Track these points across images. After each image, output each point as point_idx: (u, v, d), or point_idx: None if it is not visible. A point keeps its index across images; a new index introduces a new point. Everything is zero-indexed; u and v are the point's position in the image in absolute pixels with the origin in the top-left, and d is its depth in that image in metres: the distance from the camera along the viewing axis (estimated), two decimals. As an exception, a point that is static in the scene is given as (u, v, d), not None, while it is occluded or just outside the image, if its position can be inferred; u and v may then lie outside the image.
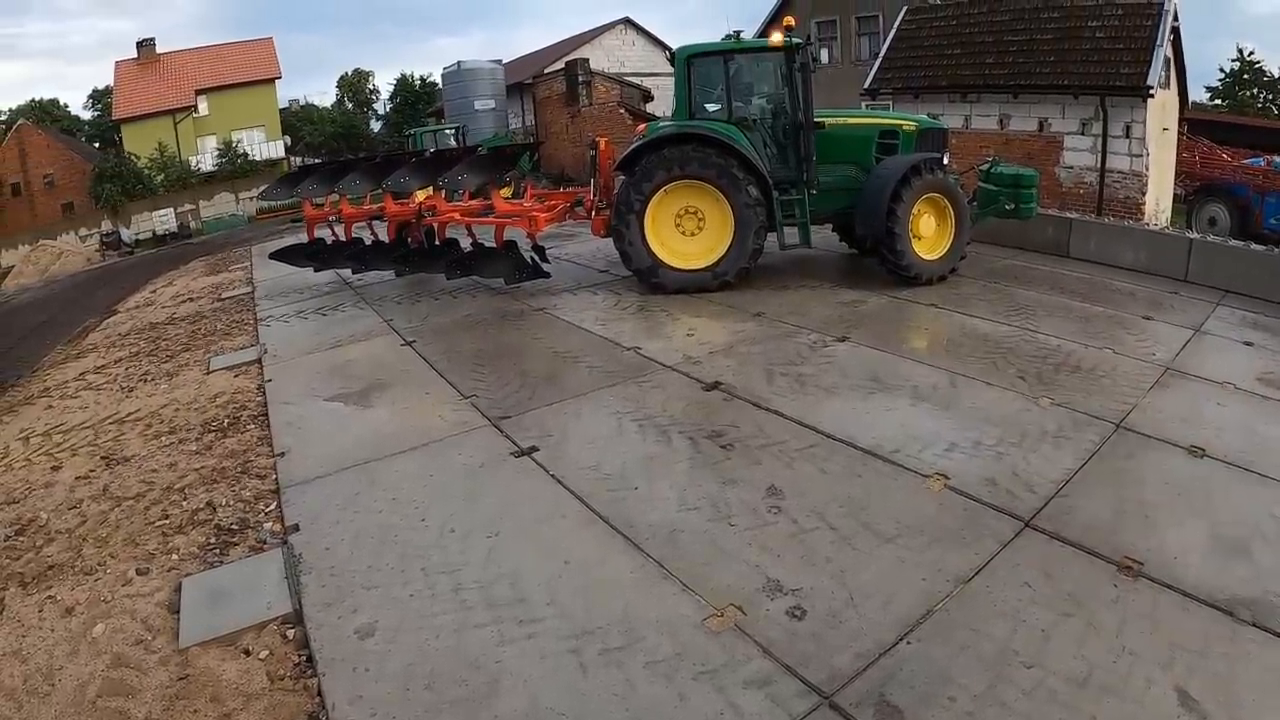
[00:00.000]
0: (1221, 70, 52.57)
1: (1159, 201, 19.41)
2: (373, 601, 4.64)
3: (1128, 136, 17.85)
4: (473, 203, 12.42)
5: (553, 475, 6.01)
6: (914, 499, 5.55)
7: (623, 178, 11.16)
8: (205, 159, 45.55)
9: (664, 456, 6.26)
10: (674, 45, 12.59)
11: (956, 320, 9.73)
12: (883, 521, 5.25)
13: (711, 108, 11.33)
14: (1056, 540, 5.09)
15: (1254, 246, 12.97)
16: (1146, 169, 17.84)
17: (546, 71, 40.31)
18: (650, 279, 10.88)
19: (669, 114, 12.47)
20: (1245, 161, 24.28)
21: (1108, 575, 4.77)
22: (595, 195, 11.85)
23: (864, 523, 5.25)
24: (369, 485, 6.02)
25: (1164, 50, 17.94)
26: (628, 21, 48.29)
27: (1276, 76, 51.54)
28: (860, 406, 7.07)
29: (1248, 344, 9.26)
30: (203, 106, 46.19)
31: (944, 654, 4.11)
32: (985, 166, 12.77)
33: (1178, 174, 23.40)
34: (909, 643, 4.18)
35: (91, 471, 6.84)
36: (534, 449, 6.41)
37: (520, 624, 4.38)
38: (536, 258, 11.56)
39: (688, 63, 11.11)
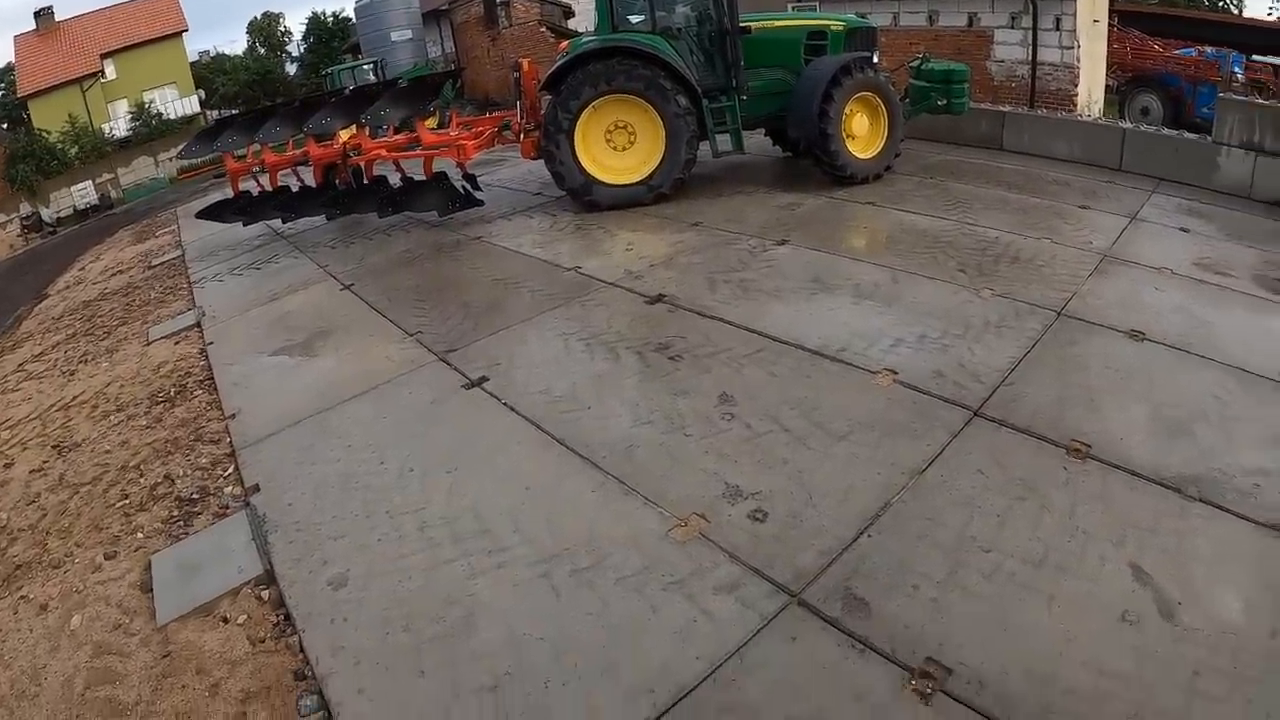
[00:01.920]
0: (1154, -38, 52.60)
1: (1091, 93, 19.41)
2: (341, 551, 4.58)
3: (1058, 29, 17.75)
4: (398, 137, 12.10)
5: (505, 404, 5.93)
6: (864, 396, 5.56)
7: (549, 98, 10.91)
8: (119, 125, 42.93)
9: (613, 374, 6.20)
10: (594, -43, 12.24)
11: (894, 217, 9.69)
12: (835, 420, 5.26)
13: (635, 19, 11.05)
14: (1005, 427, 5.14)
15: (1187, 135, 13.07)
16: (1078, 61, 17.79)
17: (463, -5, 39.15)
18: (584, 197, 10.70)
19: (592, 29, 12.16)
20: (1177, 52, 24.45)
21: (1057, 459, 4.84)
22: (522, 118, 11.57)
23: (816, 422, 5.25)
24: (323, 435, 5.90)
25: (1094, -60, 17.82)
26: (545, -65, 46.94)
27: (1208, -31, 51.73)
28: (804, 308, 7.03)
29: (1183, 230, 9.37)
30: (110, 70, 43.36)
31: (904, 545, 4.17)
32: (916, 63, 12.66)
33: (1110, 66, 23.44)
34: (869, 536, 4.24)
35: (45, 463, 6.60)
36: (484, 379, 6.32)
37: (489, 555, 4.35)
38: (468, 187, 11.31)
39: None
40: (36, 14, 45.08)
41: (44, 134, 39.95)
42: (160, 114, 43.75)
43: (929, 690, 3.36)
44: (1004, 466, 4.76)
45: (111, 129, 42.68)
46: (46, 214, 37.71)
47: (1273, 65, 25.73)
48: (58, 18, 45.25)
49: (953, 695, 3.35)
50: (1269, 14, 50.31)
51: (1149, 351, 6.19)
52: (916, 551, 4.11)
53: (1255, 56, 25.88)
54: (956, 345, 6.21)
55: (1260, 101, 13.57)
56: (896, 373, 5.81)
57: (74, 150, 40.27)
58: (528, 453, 5.27)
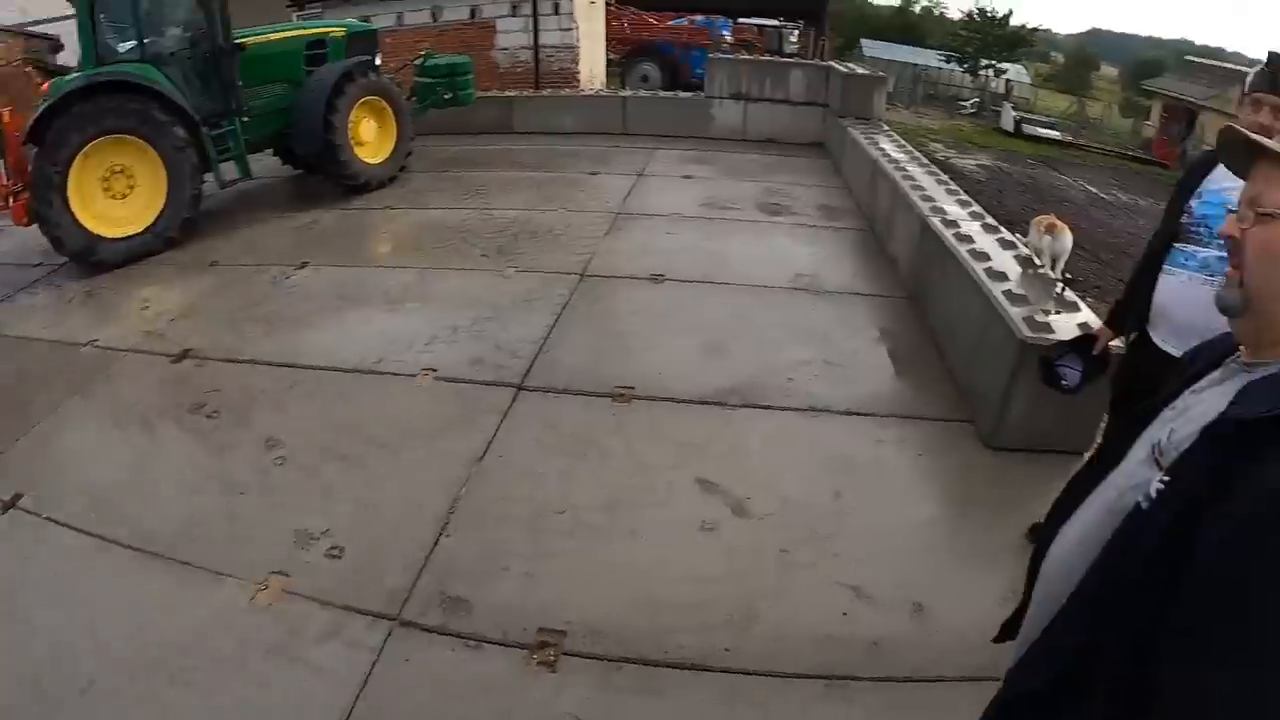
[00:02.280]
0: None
1: (593, 69, 20.55)
2: None
3: (557, 13, 18.59)
4: None
5: (47, 518, 5.05)
6: (409, 401, 5.44)
7: (35, 150, 9.70)
8: None
9: (153, 450, 5.53)
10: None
11: (414, 216, 9.60)
12: (385, 433, 5.09)
13: (124, 47, 10.05)
14: (551, 393, 5.26)
15: (682, 94, 14.27)
16: (578, 41, 18.73)
17: (-71, 40, 34.26)
18: (90, 259, 9.56)
19: (79, 64, 10.93)
20: (671, 23, 26.54)
21: (605, 408, 5.04)
22: (8, 178, 10.17)
23: (368, 440, 5.04)
24: None
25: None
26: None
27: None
28: (335, 328, 6.74)
29: (687, 177, 10.17)
30: None
31: (483, 533, 4.14)
32: (419, 61, 12.66)
33: (610, 41, 24.94)
34: (448, 536, 4.15)
35: None
36: (18, 496, 5.37)
37: (81, 695, 3.67)
38: (-47, 275, 9.85)
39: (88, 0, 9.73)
40: None
41: None
42: None
43: (551, 658, 3.38)
44: (557, 429, 4.87)
45: None
46: None
47: (757, 25, 28.75)
48: None
49: (574, 653, 3.40)
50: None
51: (671, 290, 6.62)
52: (497, 535, 4.10)
53: (741, 19, 28.75)
54: (490, 328, 6.24)
55: (745, 57, 15.06)
56: (436, 370, 5.72)
57: None
58: (85, 565, 4.55)
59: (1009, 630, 1.89)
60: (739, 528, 4.01)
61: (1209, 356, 1.61)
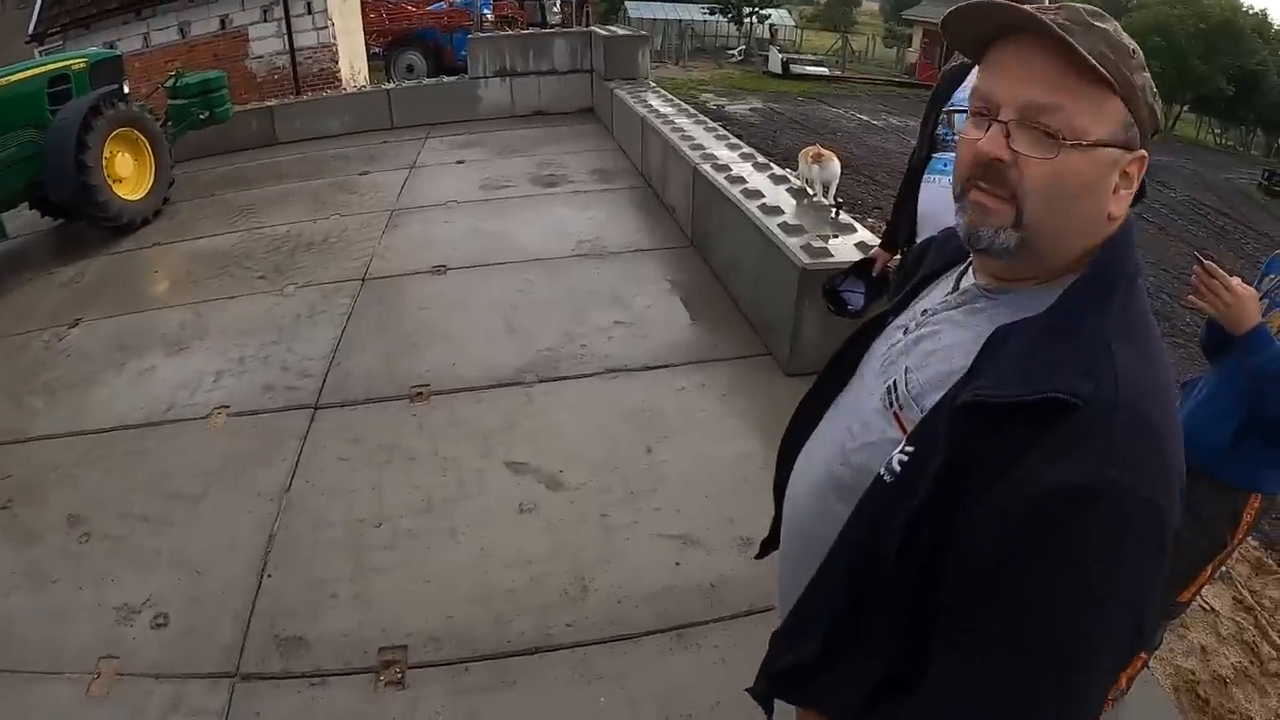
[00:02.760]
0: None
1: (354, 65, 20.08)
2: None
3: (310, 12, 18.11)
4: None
5: None
6: (205, 444, 5.23)
7: None
8: None
9: (-53, 554, 5.22)
10: None
11: (182, 249, 9.13)
12: (187, 483, 4.87)
13: None
14: (347, 406, 5.19)
15: (447, 79, 14.16)
16: (334, 39, 18.30)
17: None
18: None
19: None
20: (430, 8, 26.11)
21: (404, 410, 5.04)
22: None
23: (170, 495, 4.81)
24: None
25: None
26: None
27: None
28: (118, 384, 6.35)
29: (460, 162, 10.12)
30: None
31: (304, 564, 4.05)
32: (170, 82, 12.01)
33: (370, 34, 24.39)
34: (269, 575, 4.04)
35: None
36: None
37: None
38: None
39: None
40: None
41: None
42: None
43: (398, 676, 3.36)
44: (360, 442, 4.81)
45: None
46: None
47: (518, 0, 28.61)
48: None
49: (420, 664, 3.39)
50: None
51: (454, 279, 6.64)
52: (317, 562, 4.02)
53: (498, -4, 28.54)
54: (276, 351, 6.07)
55: (506, 33, 15.03)
56: (228, 406, 5.54)
57: None
58: None
59: (768, 547, 2.00)
60: (556, 502, 4.08)
61: (940, 254, 1.55)
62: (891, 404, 1.33)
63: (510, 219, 7.75)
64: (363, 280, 6.86)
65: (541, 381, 5.06)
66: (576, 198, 8.23)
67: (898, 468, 1.21)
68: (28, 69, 11.27)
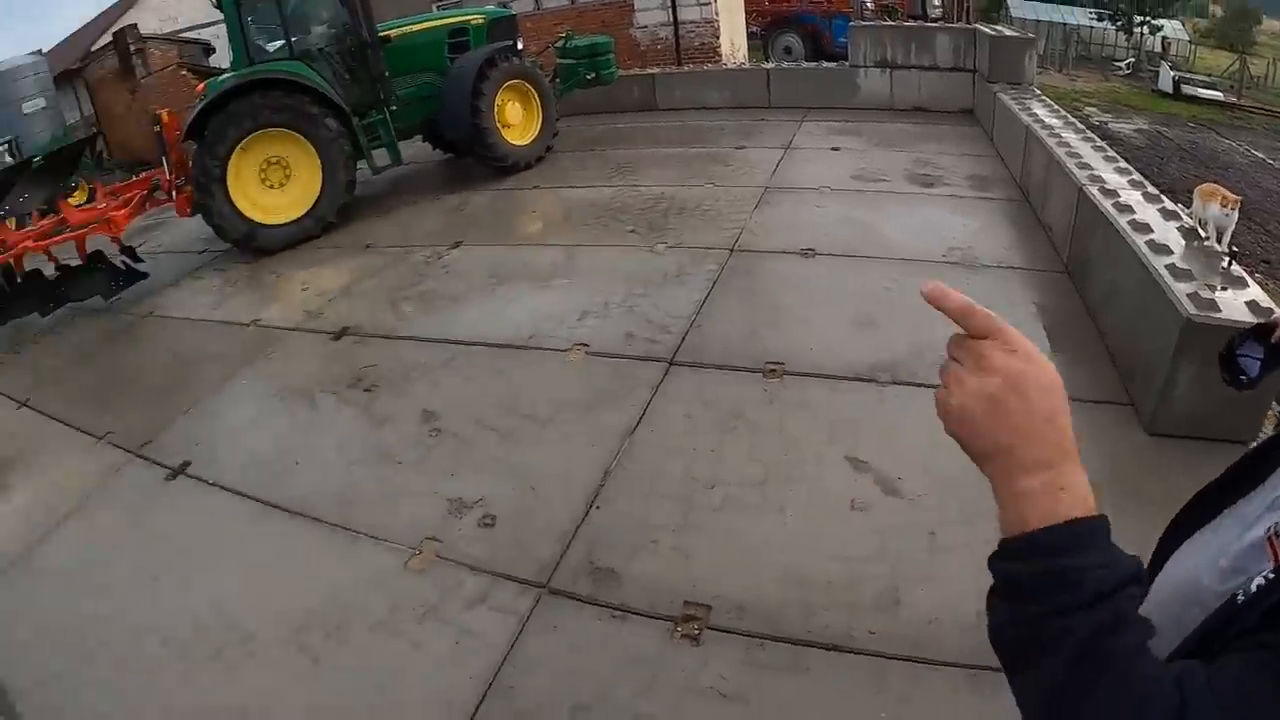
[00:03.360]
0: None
1: (734, 42, 20.36)
2: (92, 699, 3.97)
3: (695, -13, 18.50)
4: (44, 222, 10.96)
5: (214, 484, 5.37)
6: (561, 376, 5.51)
7: (195, 146, 10.22)
8: None
9: (314, 422, 5.82)
10: (221, -12, 11.53)
11: (562, 195, 9.75)
12: (539, 407, 5.17)
13: (273, 46, 10.52)
14: (702, 368, 5.23)
15: (826, 65, 13.98)
16: (716, 15, 18.59)
17: (94, 49, 36.03)
18: (250, 245, 10.07)
19: (231, 65, 11.49)
20: (810, -9, 26.04)
21: (756, 383, 4.98)
22: (171, 173, 10.76)
23: (522, 414, 5.14)
24: (34, 580, 5.11)
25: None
26: (170, -28, 44.30)
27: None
28: (488, 305, 6.90)
29: (835, 149, 9.98)
30: None
31: (633, 505, 4.17)
32: (560, 43, 12.80)
33: (749, 13, 24.67)
34: (599, 508, 4.20)
35: None
36: (186, 465, 5.72)
37: (241, 644, 3.93)
38: (128, 261, 10.34)
39: (235, 4, 10.21)
40: None
41: None
42: None
43: (696, 632, 3.39)
44: (708, 404, 4.84)
45: None
46: None
47: (898, -11, 27.96)
48: None
49: (719, 628, 3.40)
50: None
51: (821, 264, 6.51)
52: (647, 508, 4.12)
53: (885, -16, 28.00)
54: (641, 303, 6.27)
55: (889, 23, 14.67)
56: (588, 345, 5.79)
57: None
58: (249, 529, 4.83)
59: None
60: (889, 507, 3.92)
61: None
62: (1272, 534, 1.12)
63: (882, 213, 7.55)
64: (731, 250, 6.91)
65: (895, 383, 4.85)
66: (951, 202, 7.88)
67: (1254, 589, 1.02)
68: (431, 20, 12.46)
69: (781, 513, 3.94)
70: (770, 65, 14.75)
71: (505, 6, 13.76)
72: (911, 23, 18.12)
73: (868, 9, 25.47)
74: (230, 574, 4.49)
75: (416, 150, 12.28)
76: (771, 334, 5.52)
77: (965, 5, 33.76)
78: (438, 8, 20.16)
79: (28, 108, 33.91)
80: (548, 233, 8.61)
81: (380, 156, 10.65)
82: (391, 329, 6.88)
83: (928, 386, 4.69)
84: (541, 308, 6.58)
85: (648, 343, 5.65)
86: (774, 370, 5.03)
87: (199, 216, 10.18)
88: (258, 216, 9.92)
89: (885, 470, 4.15)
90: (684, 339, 5.61)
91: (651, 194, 8.89)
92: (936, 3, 29.33)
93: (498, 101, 10.62)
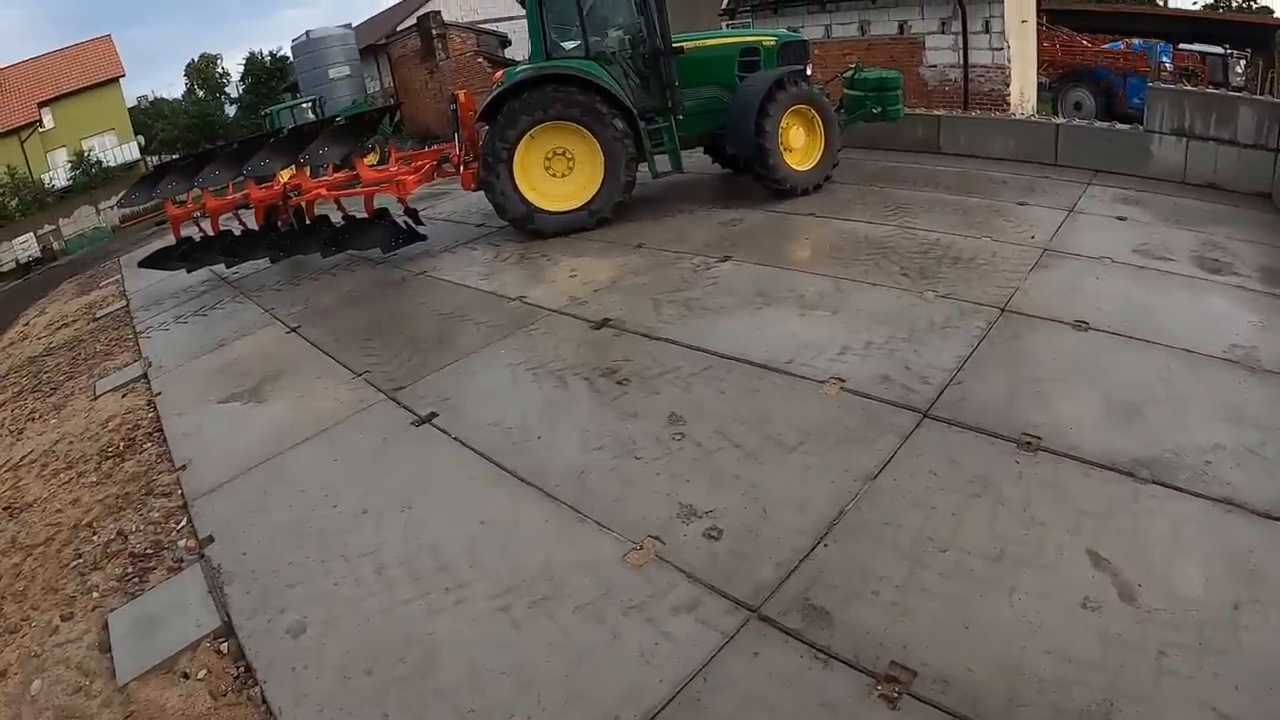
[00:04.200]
0: (1078, -42, 54.07)
1: (1024, 91, 19.72)
2: (299, 598, 4.46)
3: (987, 31, 18.05)
4: (338, 175, 11.94)
5: (456, 438, 5.84)
6: (813, 406, 5.55)
7: (486, 128, 10.88)
8: (58, 174, 41.91)
9: (562, 401, 6.15)
10: (525, -14, 12.22)
11: (835, 226, 9.75)
12: (785, 432, 5.24)
13: (569, 45, 11.09)
14: (955, 426, 5.15)
15: (1119, 126, 13.32)
16: (1008, 61, 18.07)
17: (399, 29, 38.83)
18: (527, 226, 10.67)
19: (528, 57, 12.19)
20: (1105, 46, 24.93)
21: (1009, 453, 4.85)
22: (461, 150, 11.53)
23: (767, 436, 5.23)
24: (276, 481, 5.76)
25: (1018, -57, 18.16)
26: (477, -34, 47.15)
27: (1132, -37, 53.13)
28: (750, 323, 7.03)
29: (1120, 219, 9.54)
30: (48, 119, 42.15)
31: (861, 551, 4.15)
32: (849, 73, 12.82)
33: (1040, 63, 23.84)
34: (826, 545, 4.21)
35: (-3, 526, 6.44)
36: (433, 415, 6.22)
37: (447, 592, 4.28)
38: (410, 222, 11.18)
39: (539, 1, 10.83)
40: (-29, 64, 43.91)
41: None
42: (100, 162, 42.61)
43: (895, 694, 3.34)
44: (956, 465, 4.76)
45: (51, 179, 41.53)
46: (-13, 269, 36.48)
47: (1200, 53, 26.29)
48: None
49: (919, 697, 3.33)
50: (1194, 3, 51.90)
51: (1094, 340, 6.26)
52: (874, 556, 4.10)
53: (1182, 45, 26.46)
54: (903, 349, 6.23)
55: (1189, 89, 13.83)
56: (844, 380, 5.80)
57: (14, 202, 39.28)
58: (480, 487, 5.20)
59: None
60: (1122, 614, 3.69)
61: None
62: None
63: (1163, 295, 7.16)
64: (1002, 310, 6.77)
65: (1154, 483, 4.54)
66: (1239, 293, 7.32)
67: None
68: (726, 37, 12.82)
69: (1010, 594, 3.81)
70: (1060, 120, 14.19)
71: (795, 31, 13.87)
72: (1212, 90, 16.98)
73: (1166, 70, 24.12)
74: (455, 524, 4.85)
75: (696, 161, 12.64)
76: (1032, 404, 5.35)
77: (1270, 75, 31.30)
78: (726, 25, 20.66)
79: (333, 73, 37.07)
80: (817, 261, 8.66)
81: (661, 162, 11.06)
82: (651, 328, 7.14)
83: (1186, 493, 4.46)
84: (802, 335, 6.65)
85: (904, 389, 5.61)
86: (1029, 443, 4.88)
87: (481, 192, 10.95)
88: (537, 200, 10.52)
89: (1126, 574, 3.92)
90: (942, 392, 5.54)
91: (927, 239, 8.82)
92: (1239, 70, 27.36)
93: (782, 124, 10.79)
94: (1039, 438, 4.94)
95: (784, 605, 3.85)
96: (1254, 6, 51.90)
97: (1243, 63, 27.62)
